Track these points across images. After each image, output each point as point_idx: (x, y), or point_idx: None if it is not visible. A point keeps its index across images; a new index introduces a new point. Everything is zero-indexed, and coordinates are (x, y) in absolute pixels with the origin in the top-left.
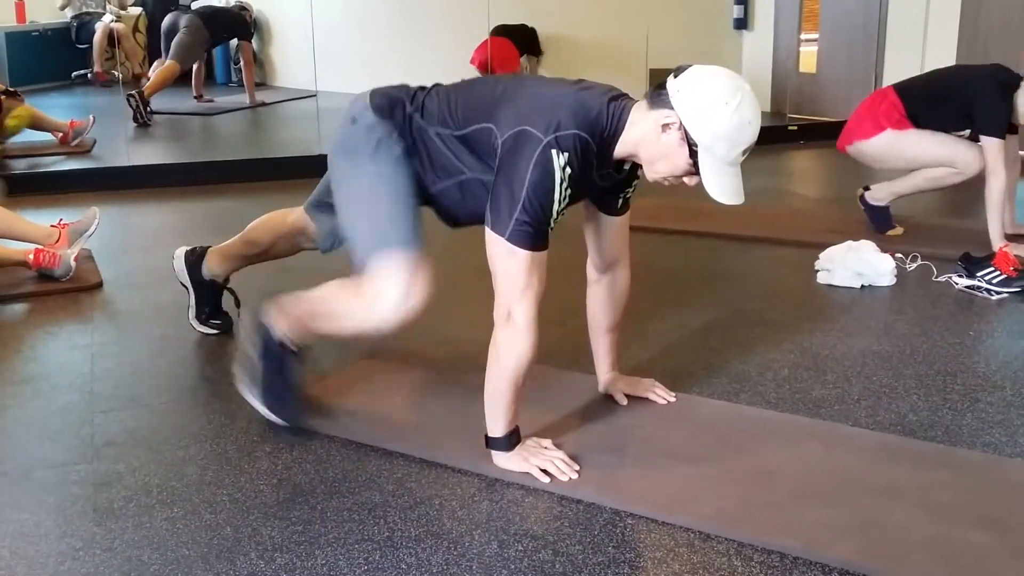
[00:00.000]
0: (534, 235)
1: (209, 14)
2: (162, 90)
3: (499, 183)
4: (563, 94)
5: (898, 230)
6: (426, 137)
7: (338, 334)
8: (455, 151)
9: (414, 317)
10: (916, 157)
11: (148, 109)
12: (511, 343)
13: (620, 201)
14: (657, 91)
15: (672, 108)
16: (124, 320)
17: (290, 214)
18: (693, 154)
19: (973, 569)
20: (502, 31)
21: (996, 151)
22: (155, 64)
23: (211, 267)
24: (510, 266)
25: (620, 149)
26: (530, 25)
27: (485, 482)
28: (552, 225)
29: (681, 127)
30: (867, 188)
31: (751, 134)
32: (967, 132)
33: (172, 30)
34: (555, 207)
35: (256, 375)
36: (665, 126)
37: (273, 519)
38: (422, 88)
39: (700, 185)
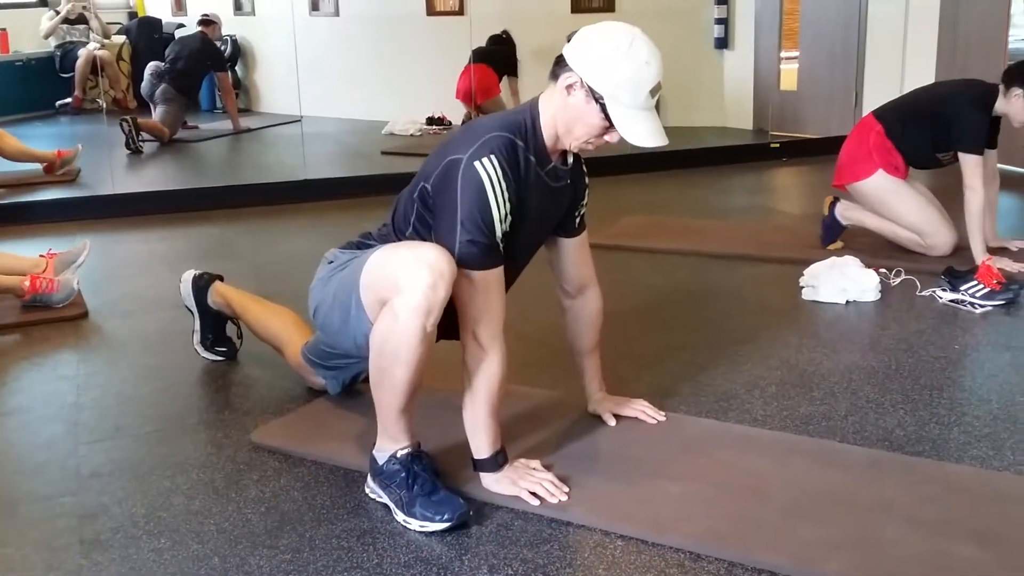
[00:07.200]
0: (480, 252)
1: (182, 87)
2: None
3: (437, 214)
4: (480, 121)
5: (838, 244)
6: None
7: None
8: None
9: None
10: (896, 215)
11: (140, 135)
12: (478, 363)
13: (577, 219)
14: (556, 63)
15: (571, 69)
16: (109, 349)
17: (291, 345)
18: (603, 108)
19: None
20: (482, 55)
21: (974, 167)
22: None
23: (215, 300)
24: (464, 288)
25: (547, 134)
26: (511, 43)
27: (474, 506)
28: (500, 236)
29: (583, 84)
30: (838, 200)
31: (652, 74)
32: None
33: (151, 92)
34: (495, 214)
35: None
36: (568, 87)
37: (261, 548)
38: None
39: (624, 141)
